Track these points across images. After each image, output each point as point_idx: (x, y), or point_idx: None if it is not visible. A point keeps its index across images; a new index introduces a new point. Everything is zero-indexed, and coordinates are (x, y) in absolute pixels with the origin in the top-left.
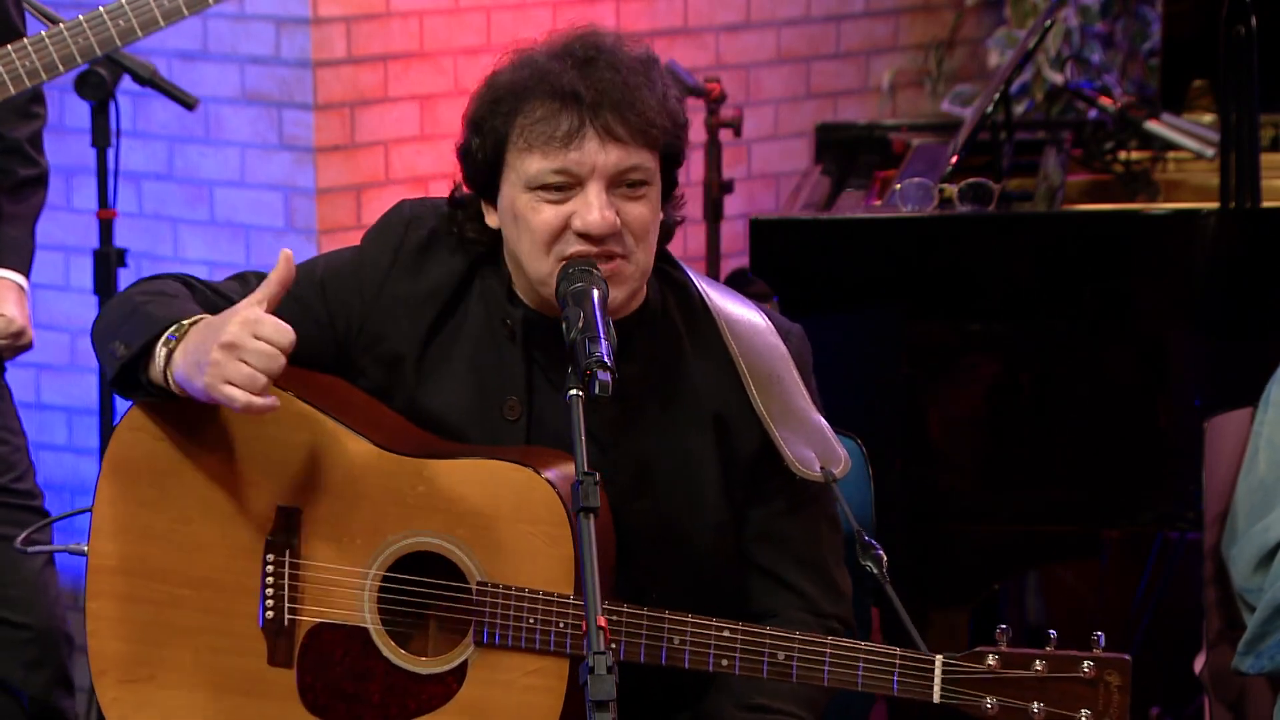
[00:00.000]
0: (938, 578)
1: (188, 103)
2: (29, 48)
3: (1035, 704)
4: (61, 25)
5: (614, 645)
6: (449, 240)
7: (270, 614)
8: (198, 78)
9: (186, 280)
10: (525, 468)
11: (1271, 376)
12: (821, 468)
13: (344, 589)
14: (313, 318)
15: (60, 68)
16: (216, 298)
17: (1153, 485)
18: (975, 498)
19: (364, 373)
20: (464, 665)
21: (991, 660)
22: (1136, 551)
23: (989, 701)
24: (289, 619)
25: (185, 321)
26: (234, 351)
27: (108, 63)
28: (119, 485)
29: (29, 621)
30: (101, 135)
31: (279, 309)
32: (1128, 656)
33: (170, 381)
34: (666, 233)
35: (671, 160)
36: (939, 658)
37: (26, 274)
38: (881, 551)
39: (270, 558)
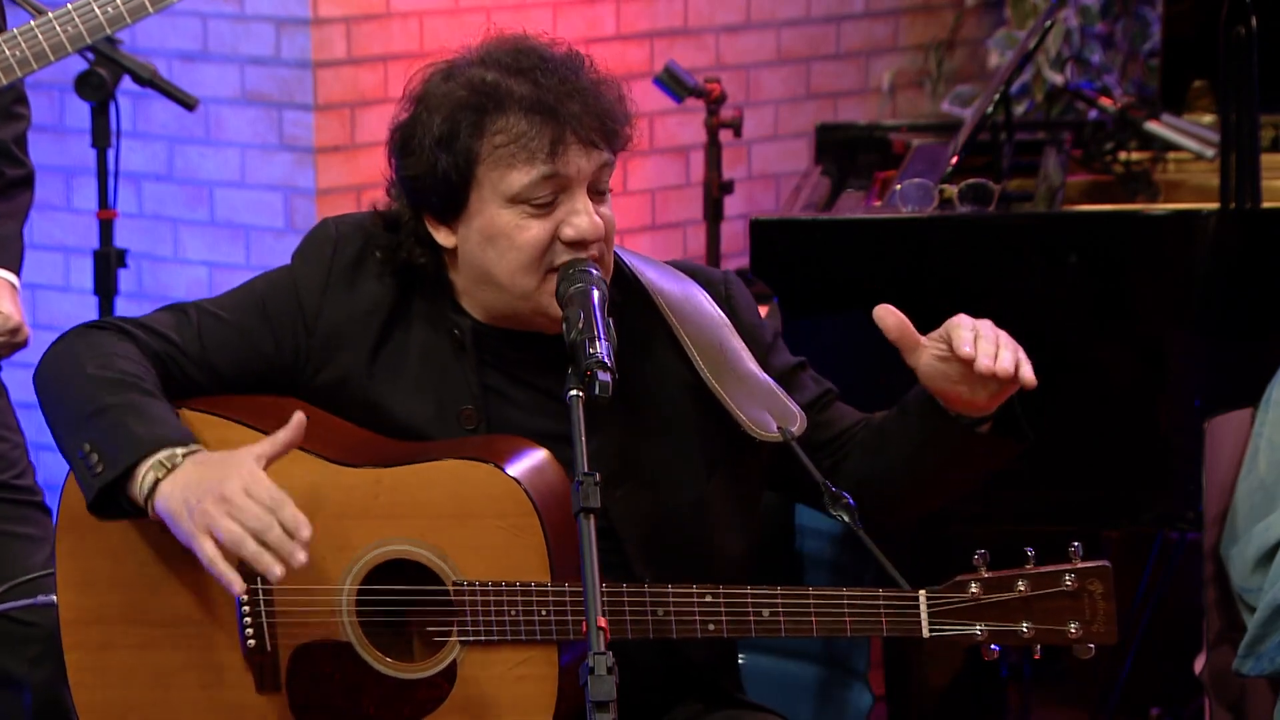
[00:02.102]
0: (938, 579)
1: (188, 103)
2: (18, 37)
3: (1024, 624)
4: (50, 14)
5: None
6: (380, 258)
7: (251, 642)
8: (198, 78)
9: (123, 329)
10: (485, 463)
11: (1272, 377)
12: (779, 427)
13: (321, 607)
14: (259, 344)
15: (50, 56)
16: (155, 340)
17: (1153, 485)
18: (975, 498)
19: (314, 395)
20: (452, 666)
21: (974, 588)
22: (1136, 551)
23: (979, 629)
24: (271, 644)
25: (180, 451)
26: (224, 506)
27: (108, 63)
28: (76, 537)
29: (33, 618)
30: (102, 136)
31: (228, 338)
32: (1107, 563)
33: (150, 509)
34: None
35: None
36: (922, 592)
37: (18, 272)
38: (850, 499)
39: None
